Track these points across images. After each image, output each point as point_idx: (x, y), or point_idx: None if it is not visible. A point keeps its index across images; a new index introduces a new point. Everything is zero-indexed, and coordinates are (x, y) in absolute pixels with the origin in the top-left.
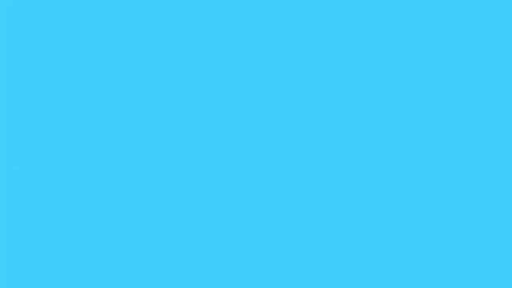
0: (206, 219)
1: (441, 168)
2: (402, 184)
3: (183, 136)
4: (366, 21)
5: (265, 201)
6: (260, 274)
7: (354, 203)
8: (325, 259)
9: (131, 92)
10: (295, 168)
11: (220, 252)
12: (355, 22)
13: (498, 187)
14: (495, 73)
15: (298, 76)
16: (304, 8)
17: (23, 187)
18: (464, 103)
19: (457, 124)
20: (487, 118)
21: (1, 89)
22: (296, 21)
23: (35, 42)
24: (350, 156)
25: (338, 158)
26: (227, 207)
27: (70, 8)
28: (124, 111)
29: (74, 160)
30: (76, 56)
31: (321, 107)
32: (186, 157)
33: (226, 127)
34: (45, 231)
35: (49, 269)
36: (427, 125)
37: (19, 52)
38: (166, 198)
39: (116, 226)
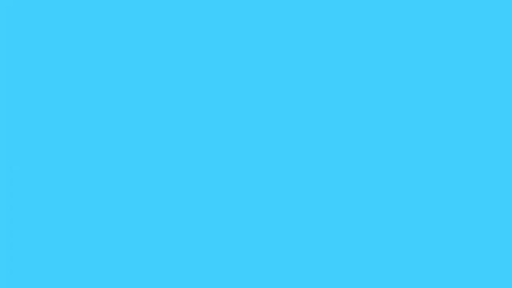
0: (206, 219)
1: (441, 168)
2: (402, 184)
3: (183, 136)
4: (366, 21)
5: (265, 201)
6: (260, 274)
7: (354, 203)
8: (325, 259)
9: (131, 92)
10: (295, 168)
11: (220, 252)
12: (355, 22)
13: (498, 187)
14: (495, 73)
15: (298, 76)
16: (304, 8)
17: (23, 187)
18: (464, 103)
19: (457, 124)
20: (487, 118)
21: (1, 89)
22: (296, 21)
23: (35, 42)
24: (350, 156)
25: (338, 158)
26: (227, 207)
27: (70, 8)
28: (124, 111)
29: (74, 160)
30: (76, 56)
31: (321, 107)
32: (186, 157)
33: (226, 127)
34: (45, 231)
35: (49, 269)
36: (427, 125)
37: (19, 52)
38: (166, 198)
39: (116, 226)
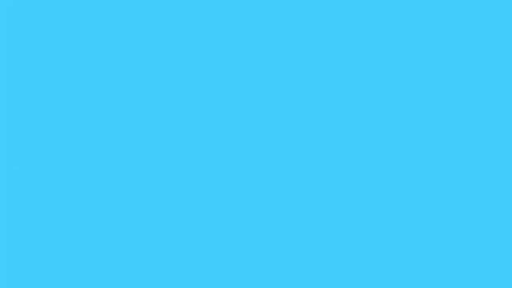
0: (206, 219)
1: (441, 168)
2: (402, 184)
3: (183, 136)
4: (366, 21)
5: (265, 201)
6: (260, 274)
7: (354, 203)
8: (325, 259)
9: (131, 92)
10: (295, 168)
11: (220, 252)
12: (355, 22)
13: (498, 187)
14: (495, 73)
15: (298, 76)
16: (304, 8)
17: (23, 187)
18: (464, 103)
19: (457, 124)
20: (487, 118)
21: (1, 89)
22: (296, 21)
23: (35, 42)
24: (350, 156)
25: (338, 158)
26: (227, 207)
27: (70, 8)
28: (124, 111)
29: (74, 160)
30: (76, 56)
31: (321, 107)
32: (186, 157)
33: (226, 127)
34: (45, 231)
35: (49, 269)
36: (427, 125)
37: (19, 52)
38: (166, 198)
39: (116, 226)
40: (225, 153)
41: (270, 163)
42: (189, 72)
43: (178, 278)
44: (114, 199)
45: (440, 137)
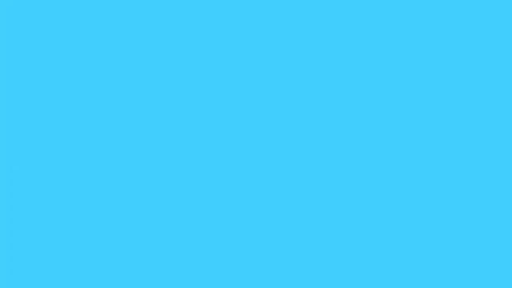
0: (206, 219)
1: (441, 168)
2: (402, 184)
3: (183, 136)
4: (366, 21)
5: (265, 201)
6: (260, 274)
7: (354, 203)
8: (325, 259)
9: (131, 92)
10: (295, 168)
11: (220, 252)
12: (355, 22)
13: (498, 187)
14: (495, 73)
15: (298, 76)
16: (304, 8)
17: (23, 187)
18: (464, 103)
19: (457, 124)
20: (487, 118)
21: (1, 89)
22: (296, 21)
23: (35, 42)
24: (350, 156)
25: (338, 158)
26: (227, 207)
27: (70, 8)
28: (124, 111)
29: (74, 160)
30: (76, 56)
31: (321, 107)
32: (186, 157)
33: (226, 127)
34: (45, 231)
35: (49, 269)
36: (427, 125)
37: (19, 52)
38: (166, 198)
39: (116, 226)
40: (225, 153)
41: (270, 163)
42: (189, 72)
43: (178, 278)
44: (114, 199)
45: (440, 137)
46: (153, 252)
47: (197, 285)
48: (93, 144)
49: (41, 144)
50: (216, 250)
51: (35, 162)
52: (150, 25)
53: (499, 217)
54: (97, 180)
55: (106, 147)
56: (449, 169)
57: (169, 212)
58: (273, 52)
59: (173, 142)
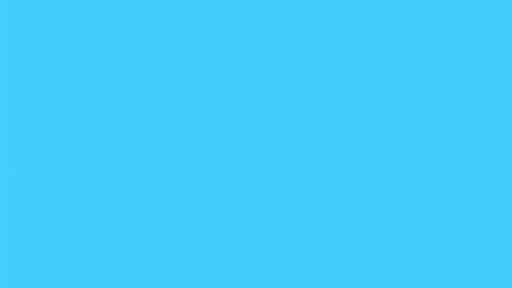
0: (206, 219)
1: (441, 168)
2: (402, 184)
3: (183, 136)
4: (366, 21)
5: (265, 201)
6: (260, 274)
7: (354, 203)
8: (325, 259)
9: (131, 92)
10: (295, 168)
11: (220, 252)
12: (355, 22)
13: (498, 187)
14: (495, 73)
15: (298, 76)
16: (304, 8)
17: (23, 187)
18: (464, 103)
19: (457, 124)
20: (487, 118)
21: (1, 89)
22: (296, 21)
23: (35, 42)
24: (350, 156)
25: (338, 158)
26: (227, 207)
27: (70, 8)
28: (124, 111)
29: (74, 160)
30: (76, 56)
31: (321, 107)
32: (186, 157)
33: (226, 127)
34: (45, 231)
35: (49, 269)
36: (427, 125)
37: (19, 52)
38: (166, 198)
39: (116, 226)
40: (225, 153)
41: (270, 163)
42: (189, 72)
43: (178, 278)
44: (114, 199)
45: (440, 137)
46: (153, 252)
47: (197, 285)
48: (93, 144)
49: (41, 144)
50: (216, 250)
51: (35, 162)
52: (150, 25)
53: (499, 217)
54: (97, 180)
55: (106, 147)
56: (449, 169)
57: (169, 212)
58: (273, 52)
59: (173, 142)
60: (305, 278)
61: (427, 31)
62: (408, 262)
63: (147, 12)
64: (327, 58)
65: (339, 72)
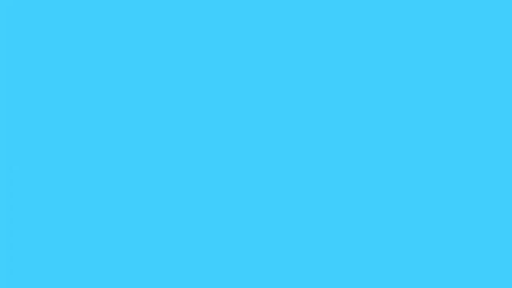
0: (206, 219)
1: (441, 168)
2: (402, 184)
3: (183, 136)
4: (366, 21)
5: (265, 201)
6: (260, 274)
7: (354, 203)
8: (325, 259)
9: (131, 92)
10: (295, 168)
11: (220, 252)
12: (355, 22)
13: (498, 187)
14: (495, 73)
15: (298, 76)
16: (304, 8)
17: (23, 187)
18: (464, 103)
19: (457, 124)
20: (487, 118)
21: (1, 89)
22: (296, 21)
23: (35, 42)
24: (350, 156)
25: (338, 158)
26: (227, 207)
27: (70, 8)
28: (124, 111)
29: (74, 160)
30: (76, 56)
31: (321, 107)
32: (186, 157)
33: (226, 127)
34: (45, 231)
35: (49, 269)
36: (427, 125)
37: (19, 52)
38: (166, 198)
39: (116, 226)
40: (225, 153)
41: (270, 163)
42: (189, 72)
43: (178, 278)
44: (114, 199)
45: (440, 137)
46: (153, 252)
47: (197, 285)
48: (93, 144)
49: (41, 144)
50: (216, 250)
51: (35, 162)
52: (150, 25)
53: (499, 217)
54: (97, 180)
55: (106, 147)
56: (449, 169)
57: (169, 212)
58: (273, 52)
59: (173, 142)
60: (305, 278)
61: (427, 31)
62: (408, 262)
63: (147, 12)
64: (327, 58)
65: (339, 72)
